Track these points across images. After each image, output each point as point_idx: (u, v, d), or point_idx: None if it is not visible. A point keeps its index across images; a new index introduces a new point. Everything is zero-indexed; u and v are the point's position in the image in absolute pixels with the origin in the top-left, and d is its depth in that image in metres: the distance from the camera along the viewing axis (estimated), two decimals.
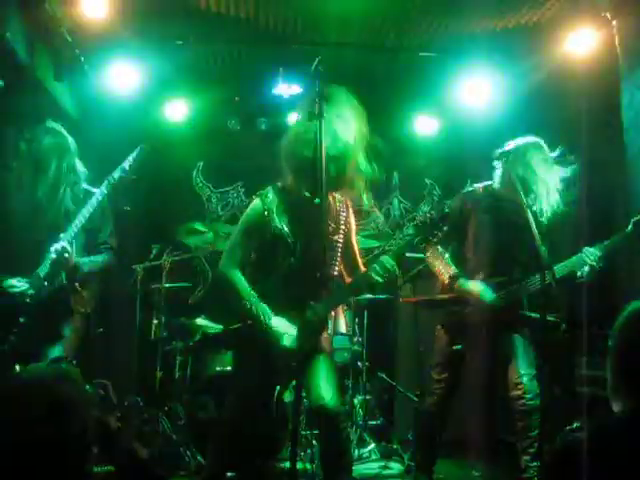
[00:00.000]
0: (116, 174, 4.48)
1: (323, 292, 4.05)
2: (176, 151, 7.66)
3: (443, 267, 4.66)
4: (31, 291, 4.37)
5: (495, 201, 4.64)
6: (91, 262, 4.58)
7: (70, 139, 4.63)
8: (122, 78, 6.68)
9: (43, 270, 4.38)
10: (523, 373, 4.43)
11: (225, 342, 5.96)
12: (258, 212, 4.10)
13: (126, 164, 4.49)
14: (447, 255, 4.70)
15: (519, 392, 4.42)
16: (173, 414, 5.99)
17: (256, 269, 4.14)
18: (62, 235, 4.36)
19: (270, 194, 4.12)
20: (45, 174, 4.49)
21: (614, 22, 5.56)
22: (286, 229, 4.04)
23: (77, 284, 4.55)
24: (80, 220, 4.41)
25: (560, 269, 4.39)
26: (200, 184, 8.03)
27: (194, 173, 8.04)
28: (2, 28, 5.09)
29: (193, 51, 6.74)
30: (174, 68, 6.89)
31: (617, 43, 5.51)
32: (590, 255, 4.44)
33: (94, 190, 4.53)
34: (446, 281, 4.62)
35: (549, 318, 4.05)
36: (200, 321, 6.39)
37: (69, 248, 4.36)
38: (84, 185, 4.63)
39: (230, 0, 5.99)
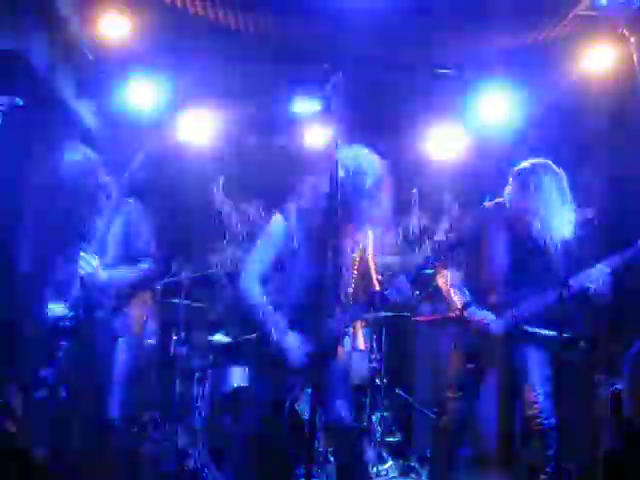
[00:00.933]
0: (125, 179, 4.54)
1: (338, 308, 4.10)
2: (196, 167, 7.71)
3: (453, 293, 4.65)
4: (70, 314, 4.37)
5: (507, 219, 4.63)
6: (126, 272, 4.55)
7: (95, 157, 4.66)
8: (142, 95, 6.76)
9: (77, 291, 4.38)
10: (538, 392, 4.38)
11: (241, 353, 5.99)
12: (279, 228, 4.24)
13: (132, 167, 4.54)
14: (458, 280, 4.68)
15: (534, 411, 4.38)
16: (191, 430, 6.01)
17: (275, 283, 4.24)
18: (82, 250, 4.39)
19: (291, 211, 4.24)
20: (78, 197, 4.50)
21: (632, 39, 5.56)
22: (304, 246, 4.14)
23: (120, 300, 4.58)
24: (100, 231, 4.44)
25: (572, 284, 4.35)
26: (220, 200, 8.06)
27: (214, 189, 8.07)
28: (22, 46, 5.16)
29: (212, 67, 6.79)
30: (193, 85, 6.94)
31: (635, 59, 5.50)
32: (601, 270, 4.40)
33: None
34: (458, 306, 4.61)
35: (565, 335, 4.05)
36: (219, 337, 6.43)
37: (91, 260, 4.38)
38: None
39: (248, 17, 6.05)
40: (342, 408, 4.08)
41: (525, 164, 4.59)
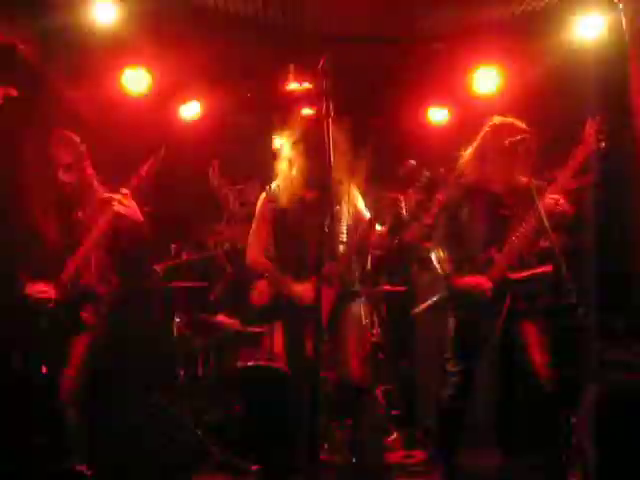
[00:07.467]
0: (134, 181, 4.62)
1: (332, 256, 4.42)
2: (191, 150, 7.71)
3: (440, 266, 4.70)
4: (55, 297, 4.44)
5: (483, 188, 4.68)
6: None
7: (82, 146, 4.68)
8: (135, 81, 6.77)
9: (67, 275, 4.47)
10: (539, 361, 4.39)
11: (265, 317, 6.05)
12: (265, 202, 4.72)
13: (142, 170, 4.63)
14: (444, 253, 4.71)
15: (535, 380, 4.43)
16: (197, 411, 6.06)
17: (276, 248, 4.71)
18: None
19: (274, 185, 4.72)
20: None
21: (621, 5, 5.56)
22: (292, 212, 4.58)
23: None
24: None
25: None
26: (216, 182, 8.05)
27: (210, 171, 8.06)
28: (14, 37, 5.16)
29: (204, 50, 6.79)
30: (186, 68, 6.95)
31: (624, 26, 5.50)
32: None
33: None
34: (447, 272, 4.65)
35: (563, 302, 4.07)
36: (221, 318, 6.47)
37: None
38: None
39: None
40: (353, 364, 4.39)
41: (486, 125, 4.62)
